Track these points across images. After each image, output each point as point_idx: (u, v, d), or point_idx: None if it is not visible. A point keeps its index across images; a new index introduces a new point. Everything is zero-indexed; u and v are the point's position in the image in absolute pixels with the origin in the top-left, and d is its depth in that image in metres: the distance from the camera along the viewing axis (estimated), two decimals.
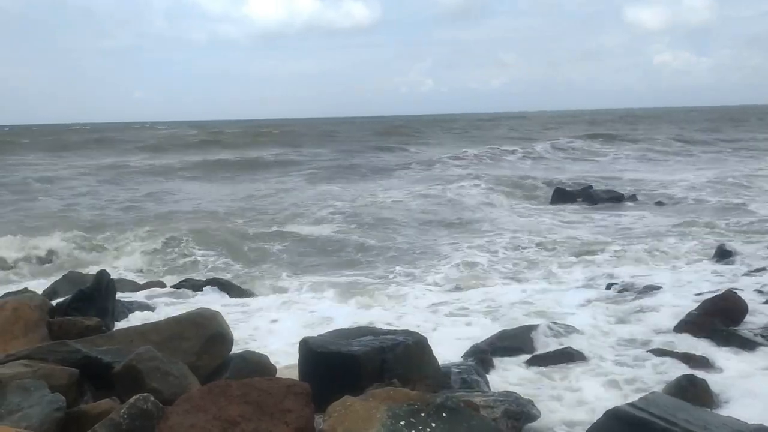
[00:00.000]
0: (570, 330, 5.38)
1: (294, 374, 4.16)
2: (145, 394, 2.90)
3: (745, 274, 7.33)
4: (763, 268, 7.49)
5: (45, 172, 23.93)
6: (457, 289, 7.69)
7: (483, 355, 4.56)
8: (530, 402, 3.74)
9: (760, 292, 6.27)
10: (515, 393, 3.91)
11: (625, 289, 6.91)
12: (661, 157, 28.33)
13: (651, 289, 6.77)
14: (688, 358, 4.57)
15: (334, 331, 4.56)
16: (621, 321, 5.85)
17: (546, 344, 5.05)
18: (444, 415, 2.85)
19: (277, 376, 4.10)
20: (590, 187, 16.15)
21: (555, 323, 5.52)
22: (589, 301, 6.53)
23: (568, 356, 4.77)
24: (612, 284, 7.18)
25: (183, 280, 8.05)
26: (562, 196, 15.54)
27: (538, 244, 10.24)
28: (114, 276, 6.27)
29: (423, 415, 2.83)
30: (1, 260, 9.95)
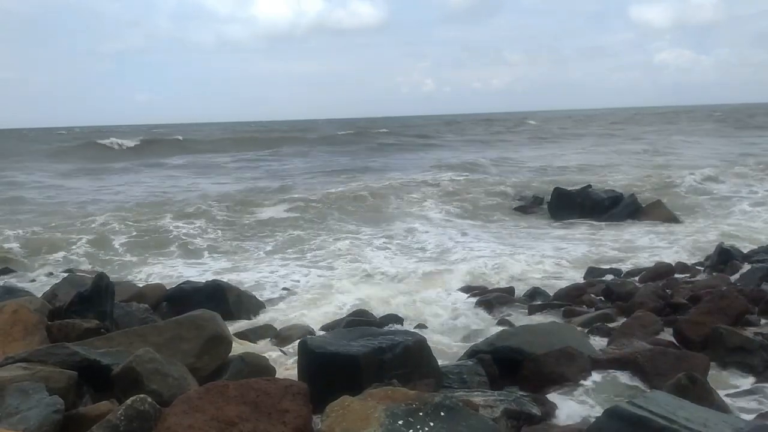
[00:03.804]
0: None
1: (293, 375, 4.17)
2: (142, 395, 2.89)
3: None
4: None
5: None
6: None
7: (483, 355, 4.55)
8: (531, 402, 3.73)
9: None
10: (516, 392, 3.91)
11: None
12: None
13: None
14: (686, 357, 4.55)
15: (333, 331, 4.56)
16: None
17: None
18: (442, 414, 2.85)
19: (276, 376, 4.11)
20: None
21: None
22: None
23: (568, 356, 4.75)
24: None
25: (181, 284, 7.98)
26: None
27: None
28: None
29: (421, 414, 2.83)
30: None
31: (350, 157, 30.47)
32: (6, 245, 10.71)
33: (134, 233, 11.79)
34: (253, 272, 9.56)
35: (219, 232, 12.07)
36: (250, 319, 6.94)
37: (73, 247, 10.92)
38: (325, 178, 21.15)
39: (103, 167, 27.25)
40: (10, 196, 17.83)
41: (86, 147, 38.55)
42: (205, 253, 10.96)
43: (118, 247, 11.14)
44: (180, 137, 43.22)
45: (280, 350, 5.55)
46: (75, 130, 78.46)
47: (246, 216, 13.03)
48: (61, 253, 10.65)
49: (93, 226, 12.33)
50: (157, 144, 39.90)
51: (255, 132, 52.62)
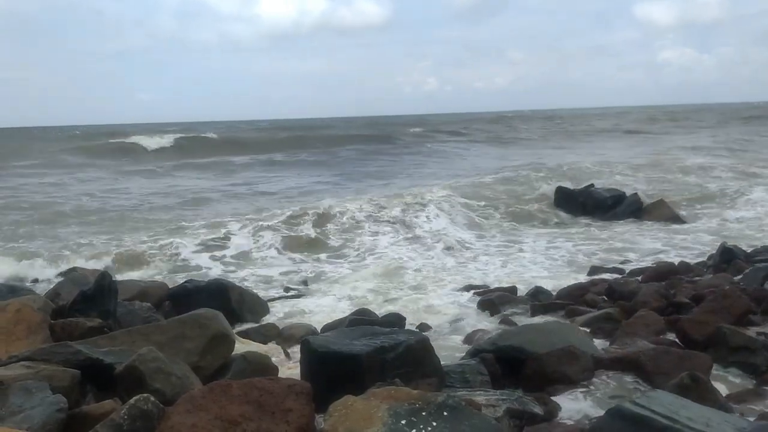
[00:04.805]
0: None
1: (296, 374, 4.17)
2: (145, 394, 2.89)
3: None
4: None
5: None
6: None
7: (485, 354, 4.55)
8: (533, 401, 3.73)
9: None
10: (518, 392, 3.91)
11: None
12: None
13: None
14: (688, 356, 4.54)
15: (335, 330, 4.56)
16: None
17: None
18: (445, 413, 2.85)
19: (279, 376, 4.11)
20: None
21: None
22: None
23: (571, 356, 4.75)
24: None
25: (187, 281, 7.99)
26: None
27: None
28: None
29: (424, 413, 2.83)
30: None
31: (383, 159, 30.18)
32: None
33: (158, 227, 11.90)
34: (256, 270, 9.59)
35: (231, 229, 12.09)
36: (253, 318, 6.95)
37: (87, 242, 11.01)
38: (349, 182, 21.02)
39: (130, 167, 26.92)
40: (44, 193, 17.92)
41: (106, 146, 38.28)
42: (213, 251, 10.95)
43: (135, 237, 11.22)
44: (214, 135, 43.11)
45: (283, 349, 5.56)
46: (84, 128, 78.08)
47: (264, 214, 13.05)
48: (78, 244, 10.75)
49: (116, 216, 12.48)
50: (189, 142, 39.45)
51: (277, 131, 52.45)
